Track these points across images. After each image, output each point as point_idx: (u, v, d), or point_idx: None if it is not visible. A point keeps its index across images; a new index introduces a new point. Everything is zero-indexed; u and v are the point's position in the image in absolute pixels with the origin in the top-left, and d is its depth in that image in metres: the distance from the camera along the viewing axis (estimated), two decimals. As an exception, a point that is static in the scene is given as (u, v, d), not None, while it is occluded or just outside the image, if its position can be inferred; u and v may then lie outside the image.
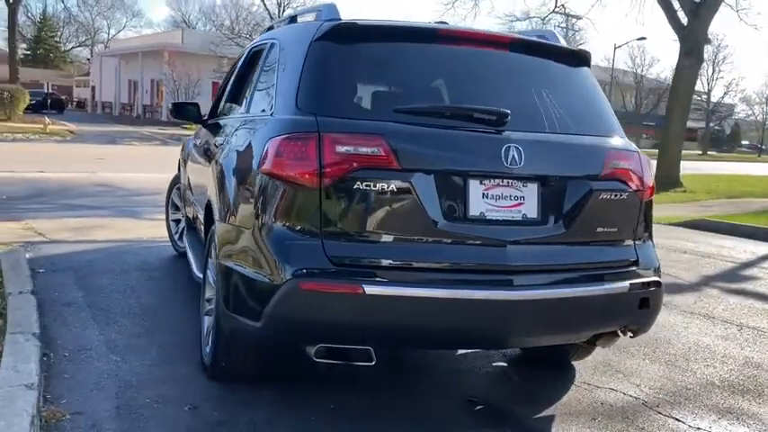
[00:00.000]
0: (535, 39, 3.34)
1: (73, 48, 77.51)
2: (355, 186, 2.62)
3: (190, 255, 4.59)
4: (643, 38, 39.49)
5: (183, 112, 4.74)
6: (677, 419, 3.19)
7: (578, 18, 31.77)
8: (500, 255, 2.75)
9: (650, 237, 3.23)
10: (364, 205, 2.65)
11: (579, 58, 3.35)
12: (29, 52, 70.94)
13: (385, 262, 2.66)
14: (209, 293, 3.47)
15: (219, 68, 36.07)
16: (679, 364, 3.98)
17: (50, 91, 49.86)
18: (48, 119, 27.25)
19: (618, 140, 3.17)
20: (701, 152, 58.60)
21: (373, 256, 2.66)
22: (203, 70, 38.38)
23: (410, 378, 3.59)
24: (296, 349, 2.97)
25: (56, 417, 2.74)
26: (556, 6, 24.99)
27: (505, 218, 2.80)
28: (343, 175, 2.61)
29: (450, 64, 3.12)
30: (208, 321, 3.39)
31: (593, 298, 2.90)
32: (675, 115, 18.03)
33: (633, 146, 3.23)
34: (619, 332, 3.09)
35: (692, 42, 17.21)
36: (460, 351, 3.89)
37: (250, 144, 3.05)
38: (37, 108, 36.48)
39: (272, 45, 3.50)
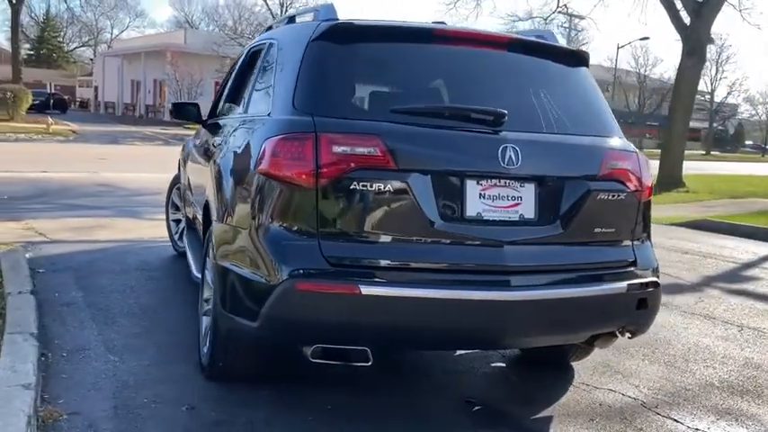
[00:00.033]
0: (533, 39, 3.33)
1: (76, 48, 77.73)
2: (352, 187, 2.61)
3: (189, 255, 4.59)
4: (646, 38, 39.49)
5: (183, 113, 4.74)
6: (675, 420, 3.19)
7: (581, 18, 31.81)
8: (497, 255, 2.75)
9: (648, 237, 3.22)
10: (361, 206, 2.64)
11: (577, 59, 3.34)
12: (32, 52, 71.08)
13: (381, 262, 2.66)
14: (207, 294, 3.47)
15: (222, 68, 36.05)
16: (678, 364, 3.97)
17: (53, 91, 49.89)
18: (50, 119, 27.27)
19: (616, 141, 3.16)
20: (704, 152, 58.49)
21: (370, 256, 2.66)
22: (206, 70, 38.43)
23: (408, 378, 3.58)
24: (293, 349, 2.96)
25: (53, 417, 2.75)
26: (558, 6, 24.98)
27: (502, 218, 2.79)
28: (340, 176, 2.61)
29: (447, 64, 3.12)
30: (206, 321, 3.39)
31: (590, 298, 2.89)
32: (678, 115, 17.99)
33: (631, 146, 3.22)
34: (617, 333, 3.08)
35: (695, 42, 17.17)
36: (459, 351, 3.88)
37: (247, 144, 3.04)
38: (40, 108, 36.54)
39: (271, 45, 3.50)
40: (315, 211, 2.63)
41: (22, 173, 11.38)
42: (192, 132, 6.00)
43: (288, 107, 2.83)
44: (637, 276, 3.02)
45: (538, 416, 3.18)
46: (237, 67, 4.29)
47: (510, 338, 2.91)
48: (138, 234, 6.80)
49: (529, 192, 2.84)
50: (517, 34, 3.57)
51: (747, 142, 78.33)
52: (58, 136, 23.65)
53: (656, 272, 3.13)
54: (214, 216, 3.31)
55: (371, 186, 2.62)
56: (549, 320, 2.86)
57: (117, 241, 6.37)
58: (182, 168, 5.63)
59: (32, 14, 68.63)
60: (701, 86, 37.77)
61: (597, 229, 3.00)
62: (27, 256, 5.37)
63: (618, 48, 58.51)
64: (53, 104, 42.10)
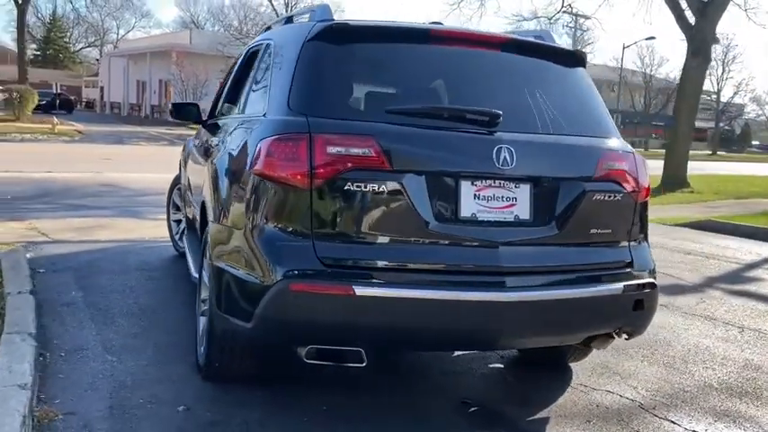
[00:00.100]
0: (529, 39, 3.32)
1: (82, 48, 77.98)
2: (346, 187, 2.61)
3: (188, 255, 4.60)
4: (652, 37, 39.32)
5: (183, 113, 4.74)
6: (673, 422, 3.17)
7: (586, 18, 31.66)
8: (492, 256, 2.74)
9: (646, 238, 3.20)
10: (355, 206, 2.64)
11: (574, 59, 3.33)
12: (38, 53, 71.40)
13: (376, 263, 2.66)
14: (204, 294, 3.47)
15: (227, 69, 36.17)
16: (678, 366, 3.95)
17: (59, 91, 50.07)
18: (56, 119, 27.41)
19: (613, 141, 3.15)
20: (710, 152, 58.27)
21: (364, 257, 2.66)
22: (211, 70, 38.47)
23: (404, 379, 3.58)
24: (289, 350, 2.97)
25: (48, 417, 2.76)
26: (563, 6, 24.94)
27: (497, 219, 2.79)
28: (334, 176, 2.61)
29: (443, 64, 3.11)
30: (203, 322, 3.39)
31: (586, 299, 2.88)
32: (683, 115, 17.91)
33: (628, 147, 3.21)
34: (613, 334, 3.06)
35: (700, 42, 17.10)
36: (456, 352, 3.87)
37: (243, 145, 3.05)
38: (46, 108, 36.70)
39: (268, 46, 3.50)
40: (309, 212, 2.63)
41: (27, 173, 11.43)
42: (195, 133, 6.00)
43: (283, 108, 2.83)
44: (633, 277, 3.00)
45: (534, 417, 3.17)
46: (236, 67, 4.29)
47: (505, 339, 2.90)
48: (139, 234, 6.82)
49: (524, 192, 2.83)
50: (514, 34, 3.56)
51: (754, 142, 77.95)
52: (63, 136, 23.74)
53: (652, 273, 3.12)
54: (210, 216, 3.31)
55: (366, 187, 2.62)
56: (544, 321, 2.85)
57: (118, 241, 6.39)
58: (182, 169, 5.64)
59: (39, 15, 69.00)
60: (708, 86, 37.67)
61: (593, 230, 2.99)
62: (28, 256, 5.39)
63: (623, 47, 58.18)
64: (59, 105, 42.23)
